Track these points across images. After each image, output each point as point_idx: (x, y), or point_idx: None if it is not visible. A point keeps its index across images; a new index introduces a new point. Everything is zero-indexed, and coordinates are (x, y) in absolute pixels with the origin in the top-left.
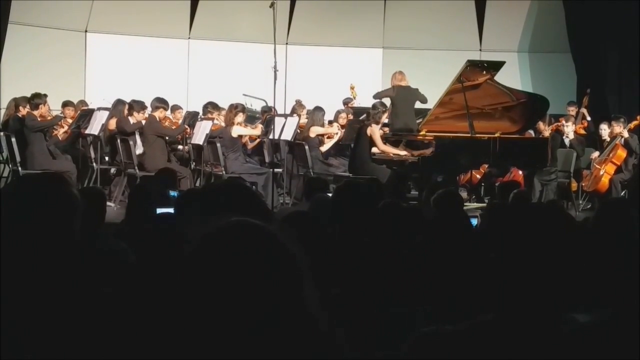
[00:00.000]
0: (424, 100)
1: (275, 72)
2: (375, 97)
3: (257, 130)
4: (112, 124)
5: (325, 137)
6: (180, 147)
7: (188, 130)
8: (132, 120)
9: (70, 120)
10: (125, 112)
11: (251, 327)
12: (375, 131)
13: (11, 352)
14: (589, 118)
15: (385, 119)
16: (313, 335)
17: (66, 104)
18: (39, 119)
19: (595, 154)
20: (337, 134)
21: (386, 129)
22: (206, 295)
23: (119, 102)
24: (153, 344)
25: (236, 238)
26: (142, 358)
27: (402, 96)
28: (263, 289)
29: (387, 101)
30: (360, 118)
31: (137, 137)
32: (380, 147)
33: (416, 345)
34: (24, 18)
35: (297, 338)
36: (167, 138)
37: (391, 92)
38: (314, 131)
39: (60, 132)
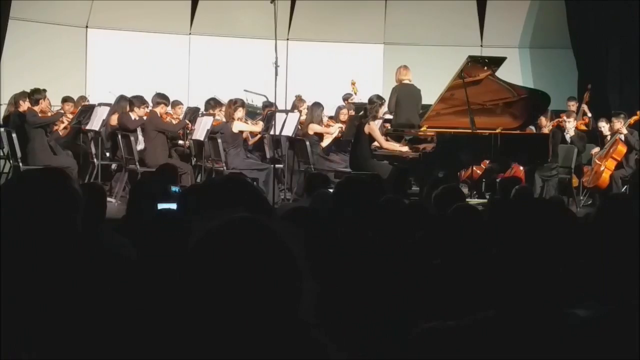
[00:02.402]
0: (419, 109)
1: (276, 67)
2: (390, 108)
3: (257, 127)
4: (114, 120)
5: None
6: (181, 142)
7: (189, 125)
8: (133, 116)
9: (70, 116)
10: (127, 108)
11: (246, 325)
12: (374, 128)
13: (12, 350)
14: (589, 114)
15: (382, 112)
16: (301, 340)
17: (65, 100)
18: (39, 115)
19: (596, 149)
20: (334, 133)
21: (387, 125)
22: (205, 289)
23: (122, 99)
24: (153, 340)
25: (239, 234)
26: (143, 354)
27: (405, 92)
28: (261, 287)
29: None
30: (359, 114)
31: (139, 132)
32: (384, 145)
33: (418, 340)
34: (24, 14)
35: (286, 341)
36: (168, 134)
37: (395, 93)
38: (312, 129)
39: (61, 128)
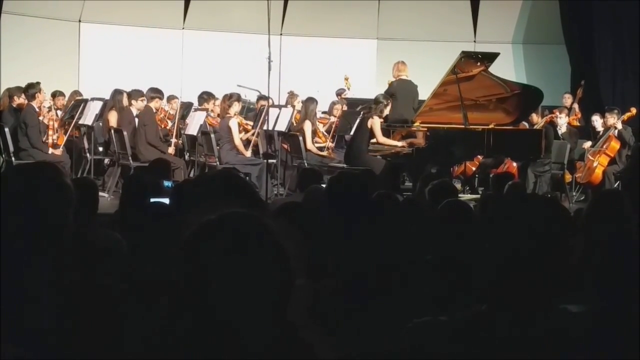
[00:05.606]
0: (415, 104)
1: (269, 62)
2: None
3: (247, 153)
4: (112, 119)
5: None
6: (173, 140)
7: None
8: (134, 110)
9: (60, 113)
10: (125, 101)
11: (234, 324)
12: (376, 123)
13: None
14: (577, 111)
15: (387, 113)
16: (288, 340)
17: (55, 95)
18: (37, 109)
19: (587, 143)
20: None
21: (381, 120)
22: (195, 282)
23: (117, 93)
24: (145, 334)
25: (234, 229)
26: (135, 349)
27: (401, 88)
28: (251, 284)
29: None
30: (358, 109)
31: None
32: (380, 140)
33: (410, 336)
34: (17, 8)
35: (272, 341)
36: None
37: (392, 87)
38: (307, 129)
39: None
